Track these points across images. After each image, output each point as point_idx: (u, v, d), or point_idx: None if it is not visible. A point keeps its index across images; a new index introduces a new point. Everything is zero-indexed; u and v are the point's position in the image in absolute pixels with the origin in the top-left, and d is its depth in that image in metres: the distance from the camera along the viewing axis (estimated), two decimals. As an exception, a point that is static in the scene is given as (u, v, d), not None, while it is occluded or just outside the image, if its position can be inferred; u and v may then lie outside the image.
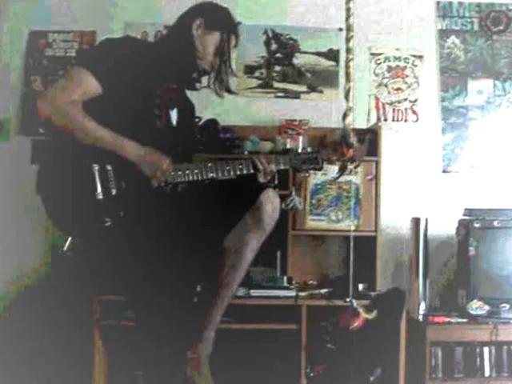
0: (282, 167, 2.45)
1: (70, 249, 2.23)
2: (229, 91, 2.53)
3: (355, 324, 2.68)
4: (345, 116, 2.03)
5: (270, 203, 2.30)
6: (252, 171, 2.36)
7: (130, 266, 2.23)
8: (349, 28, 1.96)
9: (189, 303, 2.38)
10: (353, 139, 2.19)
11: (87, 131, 2.18)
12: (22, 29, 3.94)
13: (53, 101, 2.19)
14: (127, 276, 2.28)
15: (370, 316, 2.73)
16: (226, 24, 2.45)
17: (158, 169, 2.24)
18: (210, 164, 2.34)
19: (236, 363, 3.27)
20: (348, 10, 1.95)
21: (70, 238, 2.22)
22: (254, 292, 3.41)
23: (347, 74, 2.00)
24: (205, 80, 2.50)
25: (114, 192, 2.20)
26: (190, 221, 2.26)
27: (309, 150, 2.48)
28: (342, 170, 2.29)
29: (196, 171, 2.32)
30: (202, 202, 2.30)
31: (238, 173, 2.34)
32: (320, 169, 2.50)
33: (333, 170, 2.68)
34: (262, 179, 2.36)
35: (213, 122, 3.66)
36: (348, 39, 1.98)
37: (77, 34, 3.95)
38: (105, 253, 2.28)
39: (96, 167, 2.19)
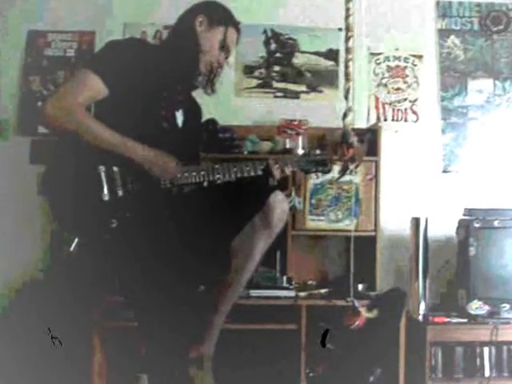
0: (291, 169, 2.46)
1: (76, 249, 2.23)
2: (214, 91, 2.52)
3: (356, 323, 2.68)
4: (345, 116, 2.03)
5: (279, 206, 2.31)
6: (261, 173, 2.36)
7: (135, 266, 2.23)
8: (348, 28, 1.96)
9: (193, 303, 2.38)
10: (353, 139, 2.19)
11: (95, 133, 2.18)
12: (22, 28, 3.94)
13: (60, 103, 2.19)
14: (132, 276, 2.28)
15: (371, 315, 2.73)
16: (227, 19, 2.47)
17: (166, 170, 2.25)
18: (216, 166, 2.34)
19: (236, 363, 3.26)
20: (347, 9, 1.94)
21: (76, 239, 2.22)
22: (254, 292, 3.40)
23: (347, 74, 2.00)
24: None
25: (120, 193, 2.20)
26: (196, 222, 2.26)
27: (317, 152, 2.48)
28: (344, 171, 2.29)
29: (202, 173, 2.32)
30: (210, 203, 2.30)
31: (253, 174, 2.35)
32: (328, 171, 2.49)
33: (332, 169, 2.68)
34: (273, 182, 2.38)
35: (212, 122, 3.66)
36: (347, 39, 1.98)
37: (76, 33, 3.95)
38: (111, 253, 2.28)
39: (102, 169, 2.19)
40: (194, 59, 2.40)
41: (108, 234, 2.18)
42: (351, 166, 2.31)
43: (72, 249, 2.22)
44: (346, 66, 2.01)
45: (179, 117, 2.46)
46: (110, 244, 2.22)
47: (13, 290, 3.58)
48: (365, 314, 2.72)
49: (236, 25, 2.48)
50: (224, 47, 2.43)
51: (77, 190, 2.18)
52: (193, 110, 2.57)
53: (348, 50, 1.99)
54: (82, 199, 2.18)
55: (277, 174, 2.37)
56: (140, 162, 2.22)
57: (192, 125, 2.53)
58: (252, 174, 2.36)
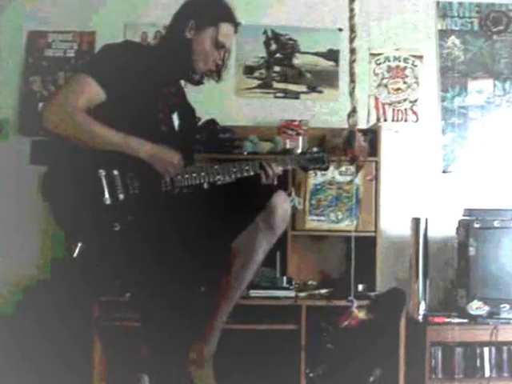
0: (289, 167, 2.47)
1: (79, 254, 2.22)
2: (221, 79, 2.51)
3: (346, 322, 2.68)
4: (349, 116, 2.02)
5: (282, 206, 2.31)
6: (259, 172, 2.35)
7: (138, 268, 2.23)
8: (352, 28, 1.95)
9: (194, 304, 2.38)
10: (358, 139, 2.19)
11: (96, 135, 2.17)
12: (22, 29, 3.94)
13: (59, 107, 2.17)
14: (136, 278, 2.28)
15: (363, 315, 2.73)
16: (217, 17, 2.42)
17: (170, 164, 2.24)
18: (216, 166, 2.34)
19: (236, 364, 3.26)
20: (352, 10, 1.93)
21: (80, 244, 2.21)
22: (254, 292, 3.41)
23: (351, 75, 1.99)
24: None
25: (121, 197, 2.19)
26: (198, 223, 2.26)
27: (314, 149, 2.48)
28: (358, 170, 2.27)
29: (202, 174, 2.32)
30: (211, 204, 2.30)
31: (245, 174, 2.34)
32: (326, 168, 2.49)
33: (332, 170, 2.68)
34: (264, 181, 2.36)
35: (212, 123, 3.66)
36: (351, 39, 1.97)
37: (76, 34, 3.95)
38: (114, 257, 2.27)
39: (103, 173, 2.18)
40: (187, 66, 2.40)
41: (111, 238, 2.17)
42: (360, 164, 2.31)
43: (75, 254, 2.20)
44: (351, 67, 2.00)
45: (175, 120, 2.45)
46: (113, 247, 2.21)
47: (12, 292, 3.57)
48: (357, 314, 2.72)
49: (229, 19, 2.43)
50: (218, 46, 2.40)
51: (78, 194, 2.17)
52: (187, 112, 2.56)
53: (352, 51, 1.98)
54: (84, 204, 2.17)
55: (270, 172, 2.36)
56: (145, 158, 2.21)
57: (188, 127, 2.52)
58: (251, 173, 2.36)
